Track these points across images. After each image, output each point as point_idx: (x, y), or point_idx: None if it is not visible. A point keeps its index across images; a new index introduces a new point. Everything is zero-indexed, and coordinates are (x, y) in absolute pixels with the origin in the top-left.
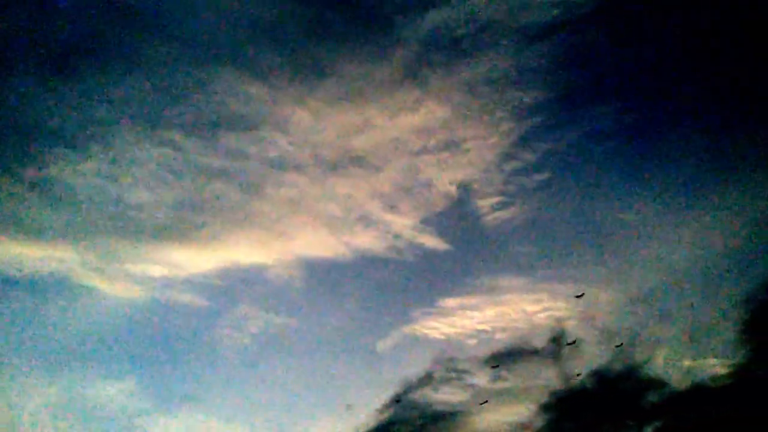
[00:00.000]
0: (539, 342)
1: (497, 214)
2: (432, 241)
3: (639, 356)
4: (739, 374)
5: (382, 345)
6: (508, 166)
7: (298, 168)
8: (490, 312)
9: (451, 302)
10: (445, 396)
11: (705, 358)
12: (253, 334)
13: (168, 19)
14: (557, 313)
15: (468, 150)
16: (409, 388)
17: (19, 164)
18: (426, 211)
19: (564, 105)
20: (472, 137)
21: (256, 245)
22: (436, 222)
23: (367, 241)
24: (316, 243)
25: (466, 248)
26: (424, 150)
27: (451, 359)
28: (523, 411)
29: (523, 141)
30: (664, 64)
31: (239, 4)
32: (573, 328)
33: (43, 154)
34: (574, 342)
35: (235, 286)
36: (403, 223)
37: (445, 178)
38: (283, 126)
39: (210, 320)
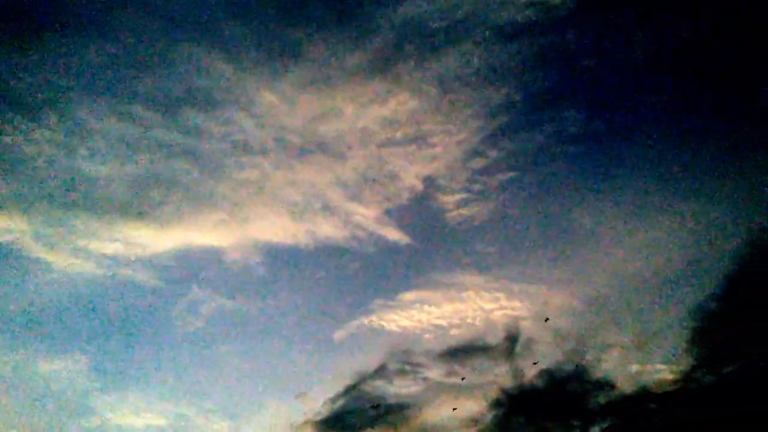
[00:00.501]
0: (493, 339)
1: (460, 210)
2: (394, 234)
3: (588, 358)
4: (684, 381)
5: (339, 335)
6: (474, 164)
7: (261, 151)
8: (447, 307)
9: (409, 296)
10: (399, 389)
11: (652, 363)
12: (208, 318)
13: None
14: (513, 312)
15: (435, 144)
16: (364, 379)
17: None
18: (389, 203)
19: (533, 106)
20: (440, 132)
21: (214, 227)
22: (399, 215)
23: (328, 229)
24: (277, 228)
25: (428, 243)
26: (391, 142)
27: (407, 352)
28: (474, 406)
29: (491, 139)
30: (635, 72)
31: None
32: (527, 328)
33: None
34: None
35: (191, 268)
36: (366, 214)
37: (410, 172)
38: (249, 107)
39: (164, 301)
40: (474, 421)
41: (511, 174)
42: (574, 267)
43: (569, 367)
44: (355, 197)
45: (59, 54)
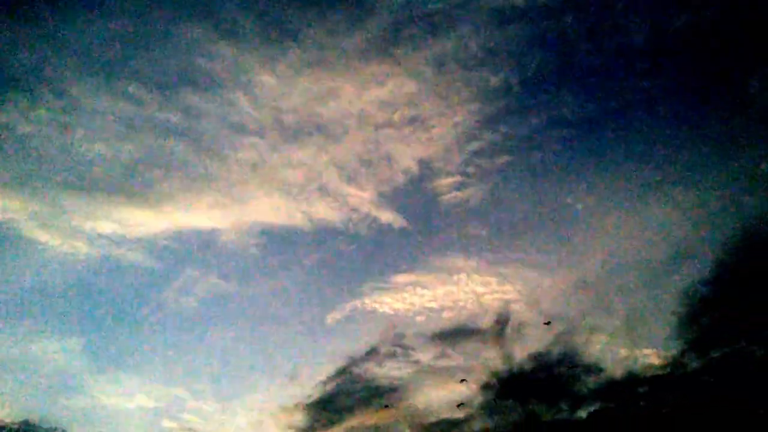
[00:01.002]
0: (485, 323)
1: (455, 193)
2: (388, 216)
3: (577, 342)
4: (672, 365)
5: (331, 317)
6: (470, 147)
7: (258, 132)
8: (439, 290)
9: (402, 278)
10: (390, 371)
11: (641, 348)
12: (202, 299)
13: None
14: (504, 296)
15: (431, 127)
16: (355, 361)
17: None
18: (385, 185)
19: (529, 89)
20: (436, 115)
21: (210, 208)
22: (394, 197)
23: (323, 211)
24: (272, 210)
25: (422, 226)
26: (388, 124)
27: (399, 335)
28: (464, 389)
29: (487, 122)
30: (631, 58)
31: None
32: (518, 311)
33: None
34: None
35: (187, 249)
36: (361, 196)
37: (406, 154)
38: (247, 88)
39: (159, 282)
40: (464, 403)
41: (506, 158)
42: (565, 251)
43: (558, 351)
44: (351, 179)
45: (56, 31)
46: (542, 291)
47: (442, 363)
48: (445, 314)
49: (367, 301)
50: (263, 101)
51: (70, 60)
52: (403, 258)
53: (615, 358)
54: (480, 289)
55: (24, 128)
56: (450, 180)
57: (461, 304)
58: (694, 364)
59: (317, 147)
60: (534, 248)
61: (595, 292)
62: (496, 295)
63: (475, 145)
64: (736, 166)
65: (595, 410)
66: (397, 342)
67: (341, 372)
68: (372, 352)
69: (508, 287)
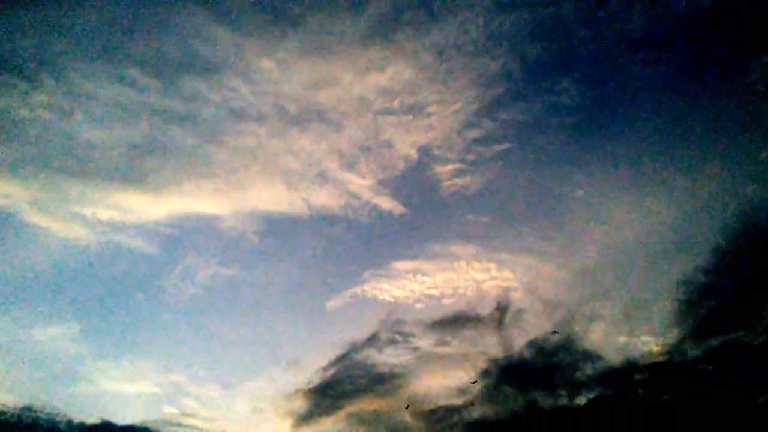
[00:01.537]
0: (484, 310)
1: (455, 181)
2: (388, 203)
3: (577, 330)
4: (670, 353)
5: (332, 304)
6: (470, 134)
7: (259, 119)
8: (439, 277)
9: (402, 265)
10: (390, 357)
11: (639, 335)
12: (202, 285)
13: None
14: (504, 283)
15: (431, 114)
16: (356, 347)
17: None
18: (384, 172)
19: (529, 76)
20: (436, 102)
21: (210, 195)
22: (394, 184)
23: (323, 198)
24: (272, 197)
25: (421, 213)
26: (388, 111)
27: (398, 322)
28: (463, 376)
29: (486, 110)
30: (630, 45)
31: None
32: (517, 298)
33: None
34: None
35: (187, 235)
36: (361, 183)
37: (406, 141)
38: (247, 74)
39: (158, 268)
40: (464, 390)
41: (506, 145)
42: (565, 238)
43: (558, 338)
44: (351, 166)
45: (56, 16)
46: (541, 278)
47: (442, 350)
48: (445, 301)
49: (367, 288)
50: (263, 87)
51: (70, 45)
52: (403, 245)
53: (614, 345)
54: (479, 276)
55: (23, 113)
56: (450, 167)
57: (461, 291)
58: (693, 352)
59: (317, 133)
60: (533, 235)
61: (595, 280)
62: (496, 282)
63: (474, 133)
64: (735, 153)
65: (593, 397)
66: (397, 329)
67: (341, 358)
68: (372, 339)
69: (507, 274)
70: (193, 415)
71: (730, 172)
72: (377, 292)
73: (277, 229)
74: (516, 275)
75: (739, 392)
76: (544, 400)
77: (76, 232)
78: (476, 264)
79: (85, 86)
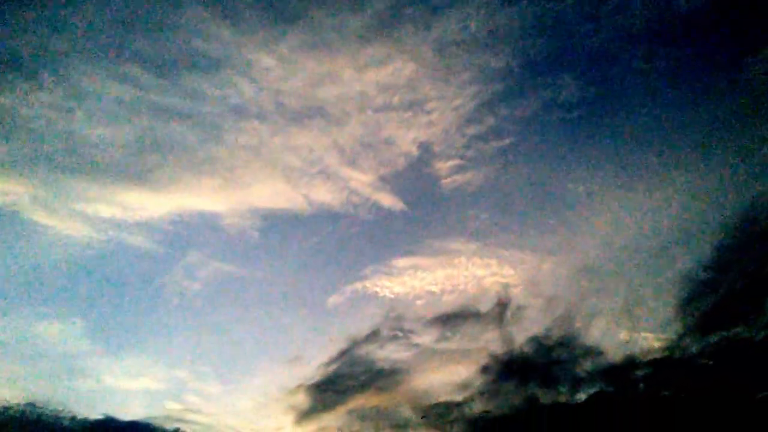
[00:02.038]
0: (485, 306)
1: (455, 177)
2: (388, 200)
3: (577, 326)
4: (671, 349)
5: (332, 300)
6: (470, 130)
7: (259, 115)
8: (440, 274)
9: (402, 262)
10: (391, 353)
11: (640, 331)
12: (204, 282)
13: None
14: (504, 279)
15: (432, 110)
16: (357, 343)
17: None
18: (385, 169)
19: (530, 72)
20: (436, 98)
21: (211, 192)
22: (394, 181)
23: (324, 194)
24: (273, 193)
25: (422, 209)
26: (388, 107)
27: (399, 318)
28: (464, 372)
29: (487, 105)
30: (631, 40)
31: None
32: (518, 294)
33: None
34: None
35: (188, 233)
36: (362, 180)
37: (406, 138)
38: (248, 71)
39: (160, 265)
40: (464, 386)
41: (507, 140)
42: (565, 234)
43: (557, 334)
44: (352, 162)
45: (57, 14)
46: (542, 274)
47: (443, 346)
48: (445, 297)
49: (367, 284)
50: (264, 84)
51: (71, 43)
52: (404, 241)
53: (614, 341)
54: (480, 272)
55: (26, 112)
56: (450, 163)
57: (461, 287)
58: (694, 348)
59: (318, 130)
60: (534, 231)
61: (595, 275)
62: (496, 278)
63: (475, 128)
64: (737, 148)
65: (594, 393)
66: (397, 325)
67: (342, 354)
68: (373, 335)
69: (508, 270)
70: (195, 411)
71: (731, 167)
72: (378, 289)
73: (277, 225)
74: (516, 271)
75: (739, 388)
76: (545, 396)
77: (78, 230)
78: (477, 260)
79: (86, 84)
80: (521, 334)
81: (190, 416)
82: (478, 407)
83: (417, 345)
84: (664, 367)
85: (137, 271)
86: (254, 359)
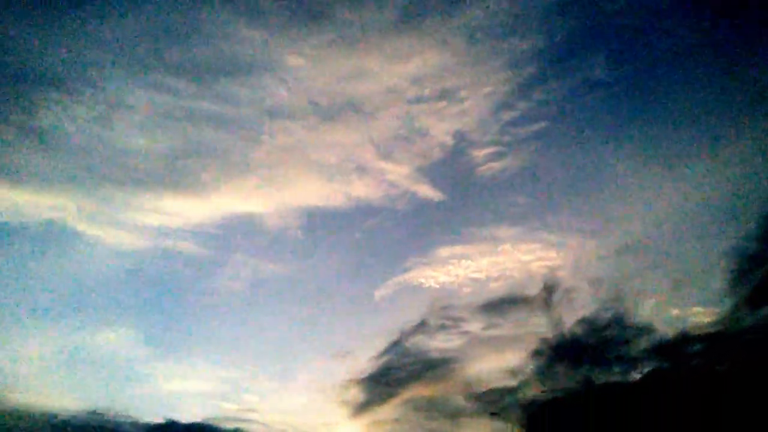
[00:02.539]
0: (531, 290)
1: (492, 164)
2: (427, 191)
3: (627, 305)
4: (724, 323)
5: (379, 293)
6: (504, 116)
7: (292, 115)
8: (483, 261)
9: (445, 251)
10: (440, 343)
11: (691, 306)
12: (250, 283)
13: None
14: (549, 263)
15: (464, 99)
16: (406, 335)
17: (10, 110)
18: (421, 160)
19: (560, 53)
20: (467, 86)
21: (251, 194)
22: (431, 171)
23: (362, 189)
24: (312, 192)
25: (461, 198)
26: (420, 98)
27: (446, 307)
28: (515, 358)
29: (519, 90)
30: (660, 15)
31: None
32: (564, 277)
33: (35, 99)
34: None
35: (231, 235)
36: (398, 172)
37: (440, 128)
38: (278, 72)
39: (207, 268)
40: (516, 372)
41: (541, 124)
42: (608, 214)
43: (607, 315)
44: (387, 156)
45: (91, 29)
46: (587, 255)
47: (492, 332)
48: (491, 284)
49: (412, 275)
50: (294, 84)
51: (106, 56)
52: (445, 231)
53: (666, 318)
54: (524, 258)
55: (68, 127)
56: (486, 150)
57: (507, 273)
58: (747, 321)
59: (351, 126)
60: (576, 213)
61: (641, 253)
62: (541, 263)
63: (509, 114)
64: None
65: (648, 371)
66: (445, 314)
67: (393, 346)
68: (421, 326)
69: (551, 254)
70: (251, 410)
71: None
72: (423, 279)
73: (318, 222)
74: (560, 254)
75: None
76: (599, 377)
77: (124, 239)
78: (520, 245)
79: (122, 95)
80: (570, 317)
81: (246, 415)
82: (531, 392)
83: (466, 333)
84: (718, 341)
85: (185, 276)
86: (304, 356)
